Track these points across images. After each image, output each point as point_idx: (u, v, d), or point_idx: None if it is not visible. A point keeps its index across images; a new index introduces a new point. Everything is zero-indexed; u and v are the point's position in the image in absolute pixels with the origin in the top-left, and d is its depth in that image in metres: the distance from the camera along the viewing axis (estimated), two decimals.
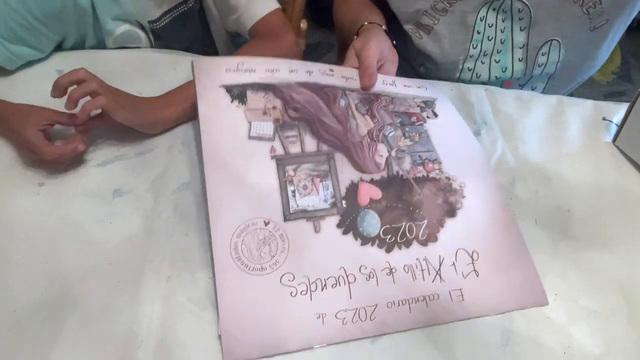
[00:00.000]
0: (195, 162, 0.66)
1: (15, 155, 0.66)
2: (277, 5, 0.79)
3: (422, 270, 0.54)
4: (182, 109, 0.69)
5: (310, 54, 0.83)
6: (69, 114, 0.63)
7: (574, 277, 0.56)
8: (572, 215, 0.62)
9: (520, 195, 0.64)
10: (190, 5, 0.83)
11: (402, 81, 0.72)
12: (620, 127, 0.69)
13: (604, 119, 0.73)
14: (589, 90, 1.80)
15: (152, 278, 0.54)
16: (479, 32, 0.77)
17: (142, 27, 0.81)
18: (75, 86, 0.61)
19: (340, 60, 1.05)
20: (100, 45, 0.82)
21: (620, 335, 0.52)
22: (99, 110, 0.63)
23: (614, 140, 0.70)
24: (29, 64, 0.77)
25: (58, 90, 0.61)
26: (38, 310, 0.52)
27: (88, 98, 0.61)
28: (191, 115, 0.71)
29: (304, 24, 1.06)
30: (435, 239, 0.57)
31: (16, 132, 0.63)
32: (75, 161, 0.65)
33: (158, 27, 0.82)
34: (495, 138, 0.70)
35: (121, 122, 0.63)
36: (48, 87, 0.62)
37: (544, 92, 0.83)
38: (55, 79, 0.61)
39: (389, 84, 0.70)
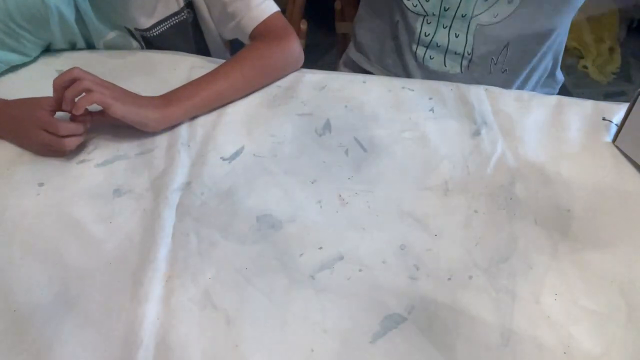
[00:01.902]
0: (195, 162, 0.66)
1: (15, 155, 0.66)
2: (277, 8, 0.79)
3: None
4: (184, 106, 0.69)
5: (310, 54, 0.83)
6: (68, 110, 0.63)
7: (574, 277, 0.56)
8: (572, 215, 0.62)
9: (520, 195, 0.64)
10: (184, 16, 0.83)
11: None
12: (620, 127, 0.69)
13: (604, 119, 0.73)
14: (589, 90, 1.80)
15: (152, 278, 0.54)
16: None
17: (132, 34, 0.81)
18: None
19: (340, 60, 1.05)
20: (91, 48, 0.82)
21: (620, 335, 0.52)
22: (99, 108, 0.64)
23: (614, 140, 0.70)
24: (30, 64, 0.77)
25: (57, 91, 0.62)
26: (38, 310, 0.52)
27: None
28: (193, 113, 0.71)
29: (304, 24, 1.07)
30: None
31: (27, 118, 0.64)
32: (75, 161, 0.66)
33: (150, 36, 0.82)
34: (495, 138, 0.70)
35: (119, 117, 0.63)
36: (48, 87, 0.63)
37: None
38: (52, 81, 0.61)
39: None
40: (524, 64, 0.84)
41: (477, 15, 0.78)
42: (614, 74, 1.86)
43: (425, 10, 0.80)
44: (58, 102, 0.63)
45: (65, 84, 0.61)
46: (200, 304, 0.53)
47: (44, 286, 0.54)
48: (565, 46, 0.91)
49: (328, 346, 0.50)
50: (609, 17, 1.87)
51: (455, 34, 0.81)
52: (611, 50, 1.88)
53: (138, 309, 0.52)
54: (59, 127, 0.62)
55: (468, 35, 0.81)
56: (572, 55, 1.90)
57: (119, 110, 0.63)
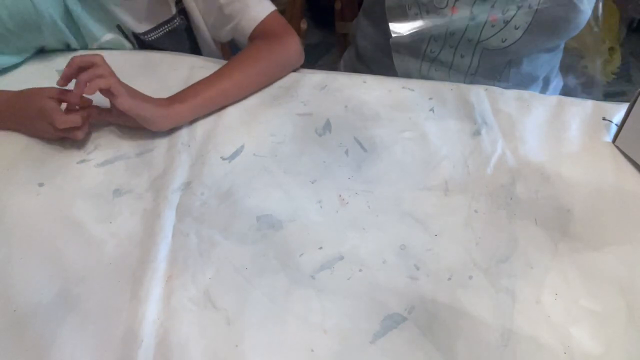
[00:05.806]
0: (195, 162, 0.66)
1: (15, 155, 0.66)
2: (274, 7, 0.78)
3: None
4: (189, 105, 0.69)
5: (310, 54, 0.83)
6: (75, 93, 0.62)
7: (574, 277, 0.56)
8: (572, 215, 0.62)
9: (520, 195, 0.64)
10: (177, 23, 0.82)
11: None
12: (620, 127, 0.69)
13: (604, 119, 0.73)
14: (589, 90, 1.80)
15: (152, 278, 0.54)
16: None
17: (126, 37, 0.81)
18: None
19: (341, 61, 1.05)
20: (85, 49, 0.82)
21: (620, 335, 0.52)
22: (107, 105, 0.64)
23: (614, 140, 0.70)
24: (30, 64, 0.77)
25: (70, 67, 0.61)
26: (38, 310, 0.52)
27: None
28: (198, 112, 0.71)
29: (304, 24, 1.07)
30: None
31: (30, 106, 0.64)
32: (75, 161, 0.66)
33: (146, 40, 0.82)
34: (495, 138, 0.70)
35: (125, 109, 0.63)
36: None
37: (527, 31, 0.77)
38: (71, 58, 0.61)
39: None
40: (525, 79, 0.85)
41: (484, 40, 0.78)
42: (614, 74, 1.86)
43: (431, 32, 0.80)
44: (62, 91, 0.63)
45: (84, 64, 0.61)
46: (200, 304, 0.53)
47: (44, 286, 0.54)
48: (565, 46, 0.91)
49: (328, 346, 0.50)
50: (609, 17, 1.87)
51: (461, 54, 0.80)
52: (611, 50, 1.88)
53: (138, 308, 0.52)
54: (56, 120, 0.62)
55: (474, 57, 0.80)
56: (572, 55, 1.90)
57: (127, 102, 0.63)
